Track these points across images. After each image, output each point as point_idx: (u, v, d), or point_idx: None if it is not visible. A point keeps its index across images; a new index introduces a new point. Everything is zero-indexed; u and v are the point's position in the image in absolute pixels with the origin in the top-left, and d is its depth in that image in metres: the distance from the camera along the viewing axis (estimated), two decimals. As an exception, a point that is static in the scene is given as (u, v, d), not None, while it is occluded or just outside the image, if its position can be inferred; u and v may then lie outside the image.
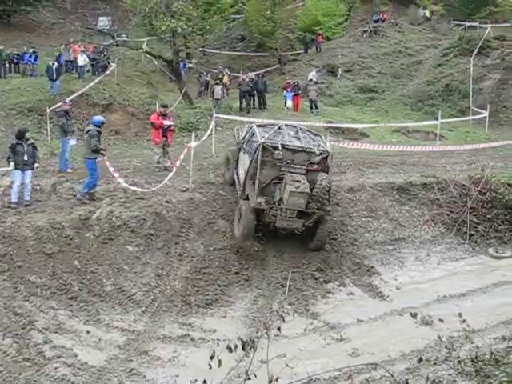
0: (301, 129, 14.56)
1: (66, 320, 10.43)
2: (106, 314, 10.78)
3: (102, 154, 14.54)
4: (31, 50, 29.94)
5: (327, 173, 13.22)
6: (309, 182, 12.74)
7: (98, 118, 15.37)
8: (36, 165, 14.19)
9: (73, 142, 17.22)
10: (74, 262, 11.84)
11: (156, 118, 17.06)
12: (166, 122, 16.91)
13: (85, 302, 11.00)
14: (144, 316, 10.80)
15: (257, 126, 14.58)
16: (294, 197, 12.41)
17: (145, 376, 8.90)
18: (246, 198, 13.41)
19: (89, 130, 14.47)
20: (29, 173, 13.82)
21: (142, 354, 9.54)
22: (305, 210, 12.71)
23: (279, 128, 14.15)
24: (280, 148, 12.98)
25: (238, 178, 14.72)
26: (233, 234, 13.43)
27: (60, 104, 18.04)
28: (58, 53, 27.44)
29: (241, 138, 15.38)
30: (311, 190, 12.61)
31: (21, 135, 13.98)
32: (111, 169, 14.49)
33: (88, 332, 10.10)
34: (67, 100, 18.48)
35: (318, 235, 13.20)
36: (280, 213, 12.69)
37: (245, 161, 14.21)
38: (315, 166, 13.14)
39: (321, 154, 13.24)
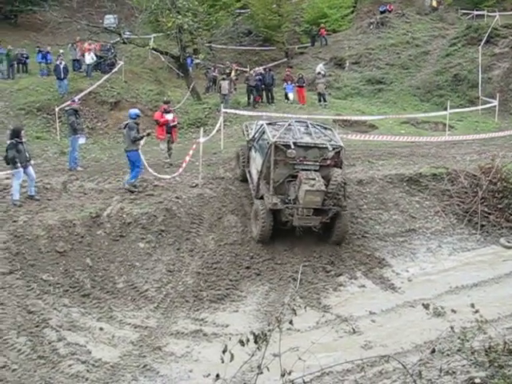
0: (311, 123, 14.39)
1: (79, 317, 10.49)
2: (118, 310, 10.84)
3: (146, 135, 15.24)
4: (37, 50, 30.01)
5: (340, 167, 13.18)
6: (323, 177, 12.67)
7: (134, 111, 15.66)
8: (32, 161, 14.26)
9: (82, 140, 17.28)
10: (85, 260, 11.91)
11: (160, 115, 17.25)
12: (170, 118, 17.06)
13: (97, 299, 11.06)
14: (156, 312, 10.85)
15: (267, 124, 14.38)
16: (310, 195, 12.31)
17: (158, 372, 8.92)
18: (261, 198, 13.36)
19: (127, 124, 14.86)
20: (31, 168, 13.87)
21: (156, 349, 9.58)
22: (321, 207, 12.64)
23: (289, 125, 13.93)
24: (292, 146, 12.85)
25: (251, 176, 14.63)
26: (249, 232, 13.46)
27: (69, 102, 18.08)
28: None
29: (251, 136, 15.23)
30: (326, 186, 12.57)
31: (18, 133, 13.81)
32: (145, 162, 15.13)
33: (101, 329, 10.15)
34: (76, 99, 18.53)
35: (336, 230, 13.15)
36: (297, 212, 12.56)
37: (257, 160, 14.12)
38: (328, 162, 13.04)
39: (334, 149, 13.11)
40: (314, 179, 12.47)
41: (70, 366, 9.00)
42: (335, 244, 13.36)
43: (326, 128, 14.43)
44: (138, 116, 15.27)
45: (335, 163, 13.14)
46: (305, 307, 9.55)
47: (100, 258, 12.06)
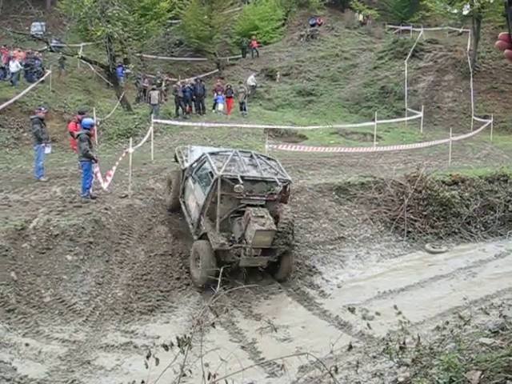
0: (256, 155, 13.63)
1: (4, 333, 10.08)
2: (45, 325, 10.49)
3: (94, 160, 14.48)
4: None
5: (286, 202, 12.73)
6: (270, 213, 12.04)
7: (88, 120, 15.22)
8: None
9: (48, 150, 16.81)
10: (10, 274, 11.46)
11: (74, 126, 16.98)
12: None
13: (23, 314, 10.66)
14: (85, 326, 10.58)
15: (209, 153, 13.24)
16: (261, 235, 11.47)
17: (87, 386, 8.72)
18: (202, 237, 12.33)
19: (79, 134, 14.41)
20: None
21: (84, 364, 9.32)
22: (270, 247, 11.91)
23: (233, 155, 13.11)
24: (240, 181, 12.03)
25: (187, 208, 13.49)
26: (191, 276, 12.29)
27: (35, 111, 17.49)
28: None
29: (187, 163, 14.09)
30: (275, 223, 11.86)
31: None
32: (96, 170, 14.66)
33: (27, 345, 9.79)
34: (42, 108, 17.93)
35: (283, 267, 12.49)
36: (244, 252, 11.74)
37: (196, 192, 13.00)
38: (275, 196, 12.45)
39: (282, 183, 12.55)
40: (263, 217, 11.71)
41: (-7, 384, 8.68)
42: (281, 281, 12.63)
43: (269, 159, 13.84)
44: (92, 125, 14.82)
45: (282, 198, 12.63)
46: (226, 310, 9.56)
47: (25, 271, 11.64)
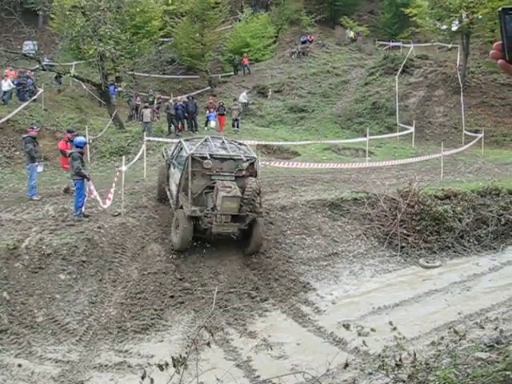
0: (227, 140, 15.24)
1: (-4, 354, 10.01)
2: (38, 345, 10.39)
3: (86, 179, 14.53)
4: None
5: (255, 177, 13.80)
6: (239, 187, 13.23)
7: (80, 138, 15.28)
8: None
9: (40, 168, 16.83)
10: (2, 294, 11.38)
11: (64, 144, 16.99)
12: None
13: (15, 335, 10.57)
14: (79, 345, 10.48)
15: (184, 140, 15.29)
16: (227, 201, 12.76)
17: (81, 407, 8.62)
18: (181, 208, 13.74)
19: (71, 153, 14.41)
20: None
21: (78, 384, 9.25)
22: (238, 213, 13.09)
23: (205, 140, 14.74)
24: (208, 158, 13.49)
25: (170, 191, 15.23)
26: (171, 243, 13.71)
27: (27, 130, 17.52)
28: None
29: (169, 154, 15.97)
30: (242, 193, 13.09)
31: None
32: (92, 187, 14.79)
33: (20, 365, 9.69)
34: (35, 126, 17.90)
35: (253, 238, 13.62)
36: (215, 219, 12.97)
37: (175, 175, 14.66)
38: (243, 172, 13.72)
39: (248, 160, 13.94)
40: (230, 187, 13.03)
41: (-15, 406, 8.58)
42: (252, 253, 13.84)
43: (240, 144, 15.40)
44: (85, 144, 14.86)
45: (250, 174, 13.83)
46: (221, 329, 9.52)
47: (18, 291, 11.55)
